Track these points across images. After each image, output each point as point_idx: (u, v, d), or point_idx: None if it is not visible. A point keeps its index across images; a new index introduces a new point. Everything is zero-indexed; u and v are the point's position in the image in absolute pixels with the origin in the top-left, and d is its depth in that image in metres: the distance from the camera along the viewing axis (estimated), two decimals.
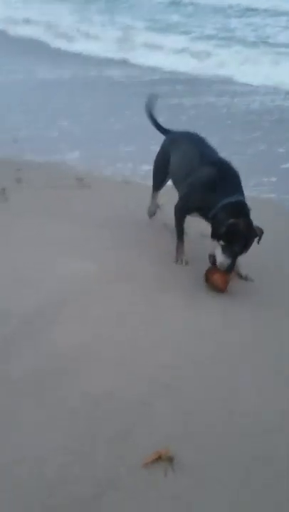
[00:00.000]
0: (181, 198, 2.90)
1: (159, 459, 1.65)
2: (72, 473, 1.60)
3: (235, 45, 9.80)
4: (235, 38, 10.51)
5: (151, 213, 3.49)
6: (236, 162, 2.81)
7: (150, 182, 3.42)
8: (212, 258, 2.62)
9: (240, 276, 2.79)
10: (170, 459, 1.65)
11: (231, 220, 2.50)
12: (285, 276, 2.91)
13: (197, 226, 2.94)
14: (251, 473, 1.64)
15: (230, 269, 2.59)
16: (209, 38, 10.63)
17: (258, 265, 2.86)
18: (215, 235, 2.60)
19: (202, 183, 2.71)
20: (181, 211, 2.88)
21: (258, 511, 1.54)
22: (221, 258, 2.56)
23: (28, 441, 1.71)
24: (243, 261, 2.74)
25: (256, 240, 2.59)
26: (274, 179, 4.34)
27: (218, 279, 2.63)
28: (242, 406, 1.92)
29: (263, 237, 2.62)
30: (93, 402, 1.87)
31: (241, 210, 2.57)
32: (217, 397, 1.95)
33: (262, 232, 2.60)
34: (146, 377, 2.03)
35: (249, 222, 2.55)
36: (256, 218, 2.61)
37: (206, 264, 2.69)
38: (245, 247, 2.56)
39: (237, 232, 2.51)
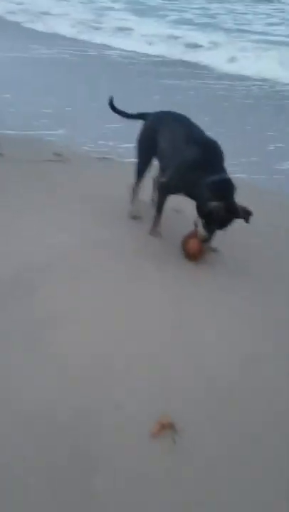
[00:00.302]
0: (168, 178, 2.95)
1: (163, 428, 1.70)
2: (73, 468, 1.63)
3: (212, 31, 9.93)
4: (215, 25, 10.63)
5: (136, 217, 3.29)
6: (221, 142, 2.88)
7: (129, 158, 3.39)
8: (195, 224, 2.81)
9: (210, 248, 2.99)
10: (172, 426, 1.71)
11: (213, 204, 2.60)
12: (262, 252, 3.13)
13: (171, 201, 3.10)
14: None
15: (207, 241, 2.83)
16: (188, 22, 10.72)
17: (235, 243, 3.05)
18: (198, 213, 2.75)
19: (188, 164, 2.76)
20: (167, 190, 2.99)
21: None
22: (201, 230, 2.77)
23: (28, 439, 1.73)
24: (222, 238, 2.89)
25: (244, 219, 2.68)
26: (255, 159, 4.54)
27: (192, 247, 2.86)
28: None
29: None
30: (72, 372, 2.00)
31: (225, 189, 2.66)
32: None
33: (250, 214, 2.68)
34: (123, 341, 2.22)
35: (230, 205, 2.64)
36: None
37: (179, 238, 2.91)
38: (223, 226, 2.72)
39: (217, 216, 2.64)
